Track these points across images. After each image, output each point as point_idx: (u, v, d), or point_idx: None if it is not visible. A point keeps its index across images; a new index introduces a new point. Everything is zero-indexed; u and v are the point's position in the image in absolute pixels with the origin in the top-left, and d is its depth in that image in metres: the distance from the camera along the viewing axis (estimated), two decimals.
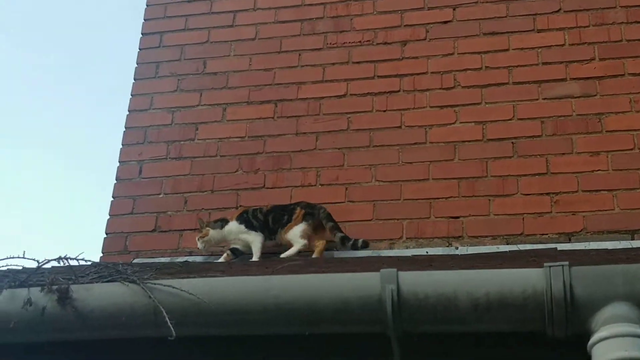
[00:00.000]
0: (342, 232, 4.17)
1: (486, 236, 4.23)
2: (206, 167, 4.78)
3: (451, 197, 4.38)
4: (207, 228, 4.32)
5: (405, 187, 4.46)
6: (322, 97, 4.84)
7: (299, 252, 4.11)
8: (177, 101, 5.04)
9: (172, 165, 4.83)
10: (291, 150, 4.72)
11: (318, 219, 4.21)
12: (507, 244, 4.16)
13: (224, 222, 4.34)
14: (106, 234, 4.68)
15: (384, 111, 4.72)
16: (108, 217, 4.73)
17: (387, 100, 4.75)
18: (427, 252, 4.17)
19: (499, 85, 4.65)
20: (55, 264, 2.61)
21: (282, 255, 4.11)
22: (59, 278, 2.42)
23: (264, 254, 4.21)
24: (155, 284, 2.36)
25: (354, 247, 4.11)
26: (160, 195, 4.75)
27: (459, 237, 4.26)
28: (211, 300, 2.34)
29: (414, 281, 2.44)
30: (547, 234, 4.17)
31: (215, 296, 2.36)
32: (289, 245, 4.18)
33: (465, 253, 4.08)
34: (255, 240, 4.24)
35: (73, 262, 2.47)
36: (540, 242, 4.12)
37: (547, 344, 2.57)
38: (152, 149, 4.90)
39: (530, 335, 2.61)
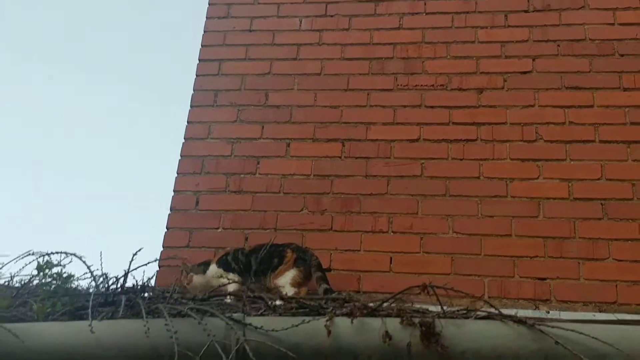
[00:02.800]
0: (328, 284, 3.90)
1: (577, 302, 3.96)
2: (269, 204, 4.46)
3: (537, 256, 4.11)
4: (191, 274, 4.05)
5: (486, 242, 4.18)
6: (393, 140, 4.58)
7: None
8: (237, 132, 4.73)
9: (231, 199, 4.50)
10: (360, 193, 4.43)
11: (308, 266, 3.95)
12: (600, 312, 3.88)
13: (206, 265, 4.07)
14: (159, 267, 4.30)
15: (461, 160, 4.46)
16: (162, 248, 4.36)
17: (464, 148, 4.49)
18: (516, 313, 3.86)
19: (585, 142, 4.42)
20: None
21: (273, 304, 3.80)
22: (417, 310, 2.00)
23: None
24: (551, 326, 1.92)
25: None
26: (219, 230, 4.41)
27: (547, 300, 3.98)
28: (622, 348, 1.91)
29: None
30: None
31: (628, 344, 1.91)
32: (276, 291, 3.85)
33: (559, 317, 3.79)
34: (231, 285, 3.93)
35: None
36: (636, 313, 3.85)
37: None
38: (210, 180, 4.57)
39: None
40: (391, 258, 4.19)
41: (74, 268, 2.65)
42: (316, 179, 4.51)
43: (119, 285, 2.16)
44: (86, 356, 1.76)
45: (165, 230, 4.45)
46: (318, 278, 3.97)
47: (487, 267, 4.11)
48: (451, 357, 1.81)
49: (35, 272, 2.25)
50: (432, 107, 4.68)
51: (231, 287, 4.00)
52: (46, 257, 2.38)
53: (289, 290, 3.90)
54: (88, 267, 2.38)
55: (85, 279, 2.47)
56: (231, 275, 4.02)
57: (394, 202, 4.37)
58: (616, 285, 3.98)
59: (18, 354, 1.71)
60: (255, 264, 4.02)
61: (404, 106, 4.70)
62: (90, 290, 2.17)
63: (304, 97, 4.83)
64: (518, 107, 4.60)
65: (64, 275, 2.11)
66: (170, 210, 4.51)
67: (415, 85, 4.77)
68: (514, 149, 4.45)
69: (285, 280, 3.93)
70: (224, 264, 4.08)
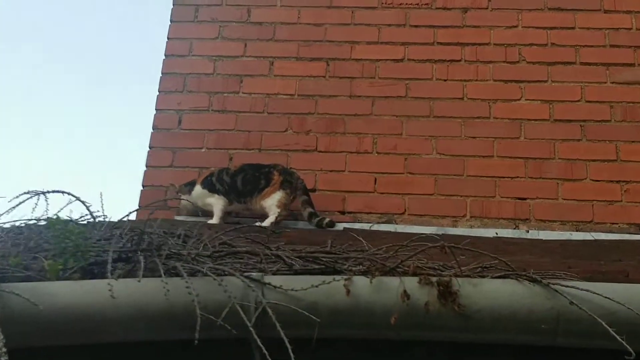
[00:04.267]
0: (313, 208, 4.01)
1: (555, 221, 4.09)
2: (253, 124, 4.45)
3: (517, 177, 4.21)
4: (179, 194, 4.10)
5: (469, 163, 4.26)
6: (378, 60, 4.57)
7: (277, 223, 3.93)
8: (219, 49, 4.67)
9: (215, 118, 4.48)
10: (345, 114, 4.44)
11: (294, 188, 4.03)
12: (577, 231, 4.02)
13: (192, 186, 4.12)
14: (143, 186, 4.31)
15: (445, 80, 4.49)
16: (145, 168, 4.34)
17: (448, 69, 4.51)
18: (496, 233, 3.99)
19: (566, 64, 4.47)
20: None
21: (258, 224, 3.90)
22: (434, 268, 2.01)
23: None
24: (564, 285, 1.91)
25: (319, 225, 3.95)
26: (203, 150, 4.40)
27: (526, 219, 4.11)
28: (632, 306, 1.85)
29: None
30: (617, 224, 4.05)
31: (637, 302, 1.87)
32: (263, 212, 4.00)
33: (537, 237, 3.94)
34: (217, 203, 4.06)
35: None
36: (611, 232, 4.00)
37: None
38: (193, 98, 4.53)
39: None
40: (375, 179, 4.26)
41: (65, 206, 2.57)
42: (300, 99, 4.50)
43: (132, 241, 2.07)
44: (103, 316, 1.74)
45: (148, 149, 4.42)
46: (303, 202, 4.03)
47: (470, 188, 4.20)
48: (467, 315, 1.85)
49: (43, 223, 2.16)
50: (416, 26, 4.65)
51: (216, 207, 4.06)
52: (45, 198, 2.31)
53: (276, 211, 3.96)
54: (90, 211, 2.35)
55: (84, 220, 2.46)
56: (216, 197, 4.06)
57: (378, 123, 4.40)
58: (592, 205, 4.11)
59: (33, 318, 1.68)
60: (240, 185, 4.06)
61: (389, 25, 4.67)
62: (104, 246, 2.10)
63: (288, 14, 4.75)
64: (502, 28, 4.61)
65: (75, 229, 2.04)
66: (153, 129, 4.47)
67: (400, 4, 4.72)
68: (497, 70, 4.48)
69: (272, 202, 3.98)
70: (208, 185, 4.10)
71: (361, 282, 1.88)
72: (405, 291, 1.86)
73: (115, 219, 3.51)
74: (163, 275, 1.82)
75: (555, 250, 3.46)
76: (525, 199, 4.15)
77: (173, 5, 4.81)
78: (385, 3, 4.72)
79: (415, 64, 4.53)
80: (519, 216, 4.11)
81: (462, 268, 2.00)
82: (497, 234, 3.98)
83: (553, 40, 4.53)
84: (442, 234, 3.93)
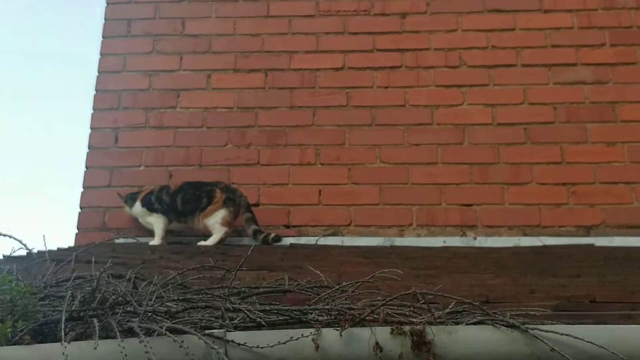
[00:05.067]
0: (257, 224, 3.95)
1: (502, 226, 4.04)
2: (192, 139, 4.33)
3: (462, 183, 4.16)
4: (125, 204, 4.05)
5: (413, 171, 4.20)
6: (318, 69, 4.48)
7: (221, 241, 3.85)
8: (154, 64, 4.54)
9: (152, 135, 4.35)
10: (286, 125, 4.34)
11: (237, 206, 3.95)
12: (525, 235, 3.98)
13: (134, 200, 4.04)
14: (81, 208, 4.16)
15: (386, 88, 4.42)
16: (82, 189, 4.19)
17: (389, 76, 4.44)
18: (444, 242, 3.93)
19: (507, 66, 4.43)
20: None
21: (202, 244, 3.84)
22: (404, 314, 1.89)
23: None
24: (543, 330, 1.83)
25: (264, 241, 3.88)
26: (141, 168, 4.26)
27: (473, 226, 4.05)
28: (614, 349, 1.80)
29: None
30: (565, 227, 4.02)
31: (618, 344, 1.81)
32: (205, 231, 3.91)
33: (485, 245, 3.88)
34: (157, 223, 3.97)
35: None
36: (559, 235, 3.97)
37: None
38: (129, 115, 4.39)
39: None
40: (320, 190, 4.17)
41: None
42: (240, 112, 4.39)
43: (83, 299, 1.95)
44: None
45: (85, 169, 4.27)
46: (247, 219, 3.93)
47: (415, 196, 4.13)
48: None
49: None
50: (355, 33, 4.58)
51: (157, 227, 3.95)
52: None
53: (220, 230, 3.86)
54: (31, 253, 2.24)
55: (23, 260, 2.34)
56: (155, 216, 3.95)
57: (320, 133, 4.31)
58: (539, 209, 4.07)
59: None
60: (180, 204, 3.95)
61: (327, 33, 4.59)
62: (54, 304, 1.98)
63: (223, 25, 4.64)
64: (441, 32, 4.55)
65: (22, 289, 1.91)
66: (89, 148, 4.32)
67: (338, 11, 4.64)
68: (439, 75, 4.42)
69: (215, 220, 3.88)
70: (147, 204, 3.99)
71: (330, 336, 1.79)
72: (377, 343, 1.78)
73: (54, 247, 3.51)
74: (119, 336, 1.71)
75: (507, 264, 3.39)
76: (471, 205, 4.10)
77: (105, 20, 4.66)
78: (323, 11, 4.64)
79: (356, 72, 4.45)
80: (465, 223, 4.06)
81: (435, 314, 1.90)
82: (444, 242, 3.93)
83: (493, 43, 4.49)
84: (390, 245, 3.88)
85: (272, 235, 3.89)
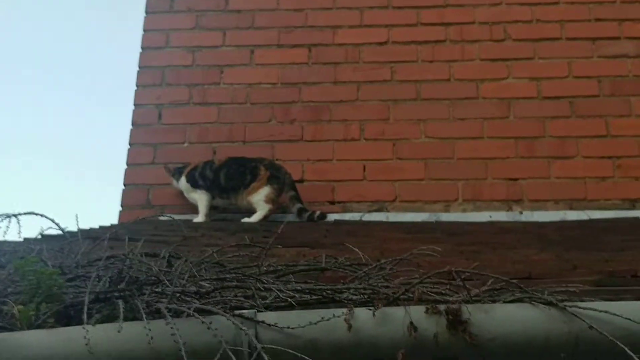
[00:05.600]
0: (301, 202, 3.94)
1: (548, 200, 4.03)
2: (235, 115, 4.34)
3: (508, 157, 4.14)
4: (172, 178, 4.06)
5: (458, 145, 4.19)
6: (361, 44, 4.46)
7: (265, 218, 3.85)
8: (197, 40, 4.54)
9: (196, 112, 4.36)
10: (330, 101, 4.34)
11: (282, 183, 3.94)
12: (571, 209, 3.97)
13: (180, 174, 4.05)
14: (124, 185, 4.18)
15: (431, 62, 4.40)
16: (126, 166, 4.22)
17: (434, 50, 4.42)
18: (490, 217, 3.93)
19: (552, 40, 4.39)
20: None
21: (245, 220, 3.85)
22: (440, 293, 1.86)
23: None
24: (582, 307, 1.78)
25: (310, 219, 3.88)
26: (185, 144, 4.28)
27: (519, 200, 4.04)
28: None
29: None
30: (610, 200, 4.00)
31: None
32: (249, 208, 3.91)
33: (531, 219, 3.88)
34: (200, 199, 3.97)
35: None
36: (605, 209, 3.95)
37: None
38: (172, 92, 4.40)
39: None
40: (364, 166, 4.17)
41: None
42: (283, 88, 4.39)
43: (110, 280, 1.90)
44: None
45: (128, 147, 4.30)
46: (292, 197, 3.94)
47: (460, 171, 4.13)
48: (480, 344, 1.72)
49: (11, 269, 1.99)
50: (400, 7, 4.55)
51: (200, 204, 3.96)
52: (17, 221, 2.17)
53: (264, 207, 3.87)
54: (64, 232, 2.23)
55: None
56: (199, 192, 3.97)
57: (364, 109, 4.30)
58: (585, 182, 4.06)
59: None
60: (224, 180, 3.96)
61: (371, 7, 4.56)
62: (80, 285, 1.93)
63: (266, 0, 4.62)
64: (486, 6, 4.52)
65: (46, 270, 1.87)
66: (132, 125, 4.34)
67: None
68: (483, 49, 4.40)
69: (259, 198, 3.89)
70: (192, 180, 4.00)
71: (363, 315, 1.76)
72: (411, 323, 1.73)
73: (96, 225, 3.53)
74: (145, 318, 1.69)
75: (553, 238, 3.39)
76: (517, 179, 4.09)
77: None
78: None
79: (400, 47, 4.43)
80: (511, 197, 4.05)
81: (472, 292, 1.88)
82: (490, 217, 3.92)
83: (538, 17, 4.45)
84: (436, 220, 3.88)
85: (317, 213, 3.90)
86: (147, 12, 4.62)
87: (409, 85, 4.34)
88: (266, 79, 4.41)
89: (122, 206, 4.14)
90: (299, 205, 3.91)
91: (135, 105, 4.38)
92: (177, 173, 4.05)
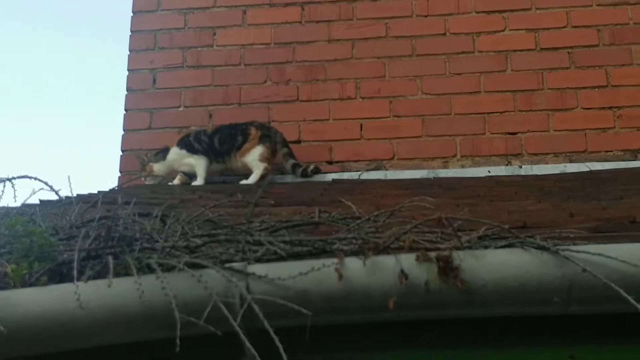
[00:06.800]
0: (295, 159, 3.93)
1: (547, 153, 3.99)
2: (230, 77, 4.29)
3: (506, 111, 4.09)
4: (150, 163, 3.98)
5: (456, 101, 4.13)
6: (355, 0, 4.37)
7: (262, 177, 3.83)
8: (189, 1, 4.47)
9: (190, 75, 4.32)
10: (325, 60, 4.28)
11: (274, 142, 3.93)
12: (571, 162, 3.93)
13: (165, 151, 4.00)
14: (122, 151, 4.17)
15: (425, 16, 4.32)
16: (122, 132, 4.20)
17: (428, 3, 4.33)
18: (489, 172, 3.90)
19: None
20: None
21: (243, 182, 3.82)
22: (431, 241, 1.84)
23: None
24: (575, 251, 1.75)
25: (304, 174, 3.89)
26: (180, 108, 4.25)
27: (519, 154, 4.01)
28: None
29: None
30: (611, 151, 3.96)
31: None
32: (245, 170, 3.89)
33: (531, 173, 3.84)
34: (198, 164, 3.93)
35: None
36: (606, 160, 3.91)
37: None
38: (165, 55, 4.36)
39: None
40: (361, 125, 4.13)
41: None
42: (277, 48, 4.33)
43: (100, 237, 1.90)
44: (75, 323, 1.60)
45: (124, 112, 4.27)
46: (285, 155, 3.92)
47: (458, 126, 4.09)
48: (471, 290, 1.71)
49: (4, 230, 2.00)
50: None
51: (199, 168, 3.95)
52: (11, 185, 2.15)
53: (259, 166, 3.86)
54: (59, 196, 2.21)
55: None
56: (195, 157, 3.95)
57: (360, 67, 4.25)
58: (585, 134, 4.01)
59: None
60: (218, 144, 3.94)
61: None
62: (72, 243, 1.93)
63: None
64: None
65: (37, 229, 1.87)
66: (127, 90, 4.31)
67: None
68: (479, 2, 4.31)
69: (253, 157, 3.87)
70: (186, 146, 3.97)
71: (353, 265, 1.74)
72: (402, 270, 1.72)
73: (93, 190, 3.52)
74: (136, 274, 1.69)
75: (551, 190, 3.35)
76: (516, 133, 4.04)
77: None
78: None
79: (394, 2, 4.36)
80: (510, 152, 4.01)
81: (463, 239, 1.85)
82: (489, 172, 3.89)
83: None
84: (434, 177, 3.86)
85: (311, 167, 3.90)
86: None
87: (404, 41, 4.27)
88: (259, 39, 4.35)
89: (120, 172, 4.14)
90: (292, 161, 3.91)
91: (129, 70, 4.35)
92: (156, 155, 4.00)
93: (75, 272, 1.66)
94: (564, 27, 4.21)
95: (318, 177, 3.96)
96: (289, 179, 3.95)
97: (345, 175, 3.96)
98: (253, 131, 3.92)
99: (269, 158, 3.90)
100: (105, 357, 1.73)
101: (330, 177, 3.95)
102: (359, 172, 4.00)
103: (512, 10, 4.27)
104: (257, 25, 4.38)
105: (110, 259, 1.72)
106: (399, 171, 3.95)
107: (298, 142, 4.10)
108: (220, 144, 3.95)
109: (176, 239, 1.92)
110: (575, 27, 4.21)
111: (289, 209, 2.93)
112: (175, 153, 3.98)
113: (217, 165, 3.99)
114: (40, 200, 2.59)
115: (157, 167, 3.98)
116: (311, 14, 4.37)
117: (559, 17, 4.23)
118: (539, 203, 2.99)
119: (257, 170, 3.86)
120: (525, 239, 1.83)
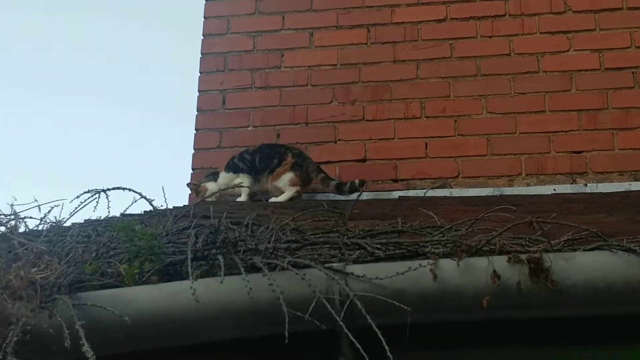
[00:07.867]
0: (333, 179, 3.99)
1: (612, 172, 4.00)
2: (297, 98, 4.41)
3: (571, 130, 4.12)
4: (203, 183, 4.08)
5: (520, 120, 4.18)
6: (420, 22, 4.47)
7: (292, 199, 3.91)
8: (258, 25, 4.62)
9: (259, 95, 4.45)
10: (390, 80, 4.37)
11: (306, 171, 4.00)
12: (636, 180, 3.94)
13: (215, 175, 4.11)
14: (192, 169, 4.32)
15: (490, 37, 4.39)
16: (192, 151, 4.35)
17: (493, 25, 4.40)
18: (554, 190, 3.93)
19: (613, 10, 4.33)
20: None
21: (273, 200, 3.91)
22: (520, 244, 1.94)
23: None
24: None
25: (352, 189, 3.90)
26: (249, 128, 4.38)
27: (583, 173, 4.03)
28: None
29: None
30: None
31: None
32: (274, 191, 4.00)
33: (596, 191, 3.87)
34: (244, 182, 4.00)
35: None
36: None
37: None
38: (235, 77, 4.50)
39: None
40: (426, 143, 4.20)
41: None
42: (343, 69, 4.44)
43: (207, 239, 2.05)
44: (187, 319, 1.72)
45: (195, 132, 4.42)
46: (323, 179, 4.00)
47: (523, 145, 4.13)
48: (561, 291, 1.78)
49: (117, 233, 2.14)
50: None
51: (245, 182, 4.03)
52: (106, 196, 2.29)
53: (290, 190, 3.95)
54: (153, 206, 2.35)
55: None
56: (241, 176, 4.04)
57: (425, 87, 4.33)
58: None
59: (118, 326, 1.66)
60: (258, 162, 4.06)
61: None
62: (179, 245, 2.07)
63: None
64: None
65: (147, 232, 2.02)
66: (197, 111, 4.46)
67: None
68: (543, 22, 4.37)
69: (284, 182, 3.98)
70: (232, 168, 4.09)
71: (447, 265, 1.83)
72: (495, 271, 1.80)
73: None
74: (243, 272, 1.81)
75: (619, 206, 3.38)
76: (581, 152, 4.07)
77: None
78: None
79: (459, 23, 4.44)
80: (575, 170, 4.04)
81: (552, 242, 1.93)
82: (554, 190, 3.92)
83: None
84: (500, 194, 3.90)
85: (357, 181, 3.92)
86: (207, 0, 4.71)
87: (468, 61, 4.34)
88: (326, 60, 4.47)
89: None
90: (335, 182, 3.97)
91: (199, 91, 4.50)
92: (206, 177, 4.13)
93: (190, 269, 1.77)
94: (628, 47, 4.24)
95: (384, 195, 4.04)
96: (332, 197, 3.99)
97: (411, 193, 4.03)
98: (289, 157, 4.03)
99: (299, 184, 3.99)
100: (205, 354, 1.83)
101: (396, 194, 4.02)
102: (424, 190, 4.06)
103: (576, 31, 4.32)
104: (324, 47, 4.50)
105: (220, 257, 1.83)
106: (464, 189, 4.01)
107: (364, 160, 4.19)
108: (260, 162, 4.06)
109: (274, 242, 2.03)
110: (639, 47, 4.23)
111: (363, 222, 3.01)
112: (224, 178, 4.09)
113: (256, 184, 4.06)
114: (145, 211, 2.74)
115: (210, 185, 4.07)
116: (377, 36, 4.48)
117: (623, 37, 4.26)
118: (610, 217, 3.02)
119: (289, 191, 3.96)
120: (612, 242, 1.88)
